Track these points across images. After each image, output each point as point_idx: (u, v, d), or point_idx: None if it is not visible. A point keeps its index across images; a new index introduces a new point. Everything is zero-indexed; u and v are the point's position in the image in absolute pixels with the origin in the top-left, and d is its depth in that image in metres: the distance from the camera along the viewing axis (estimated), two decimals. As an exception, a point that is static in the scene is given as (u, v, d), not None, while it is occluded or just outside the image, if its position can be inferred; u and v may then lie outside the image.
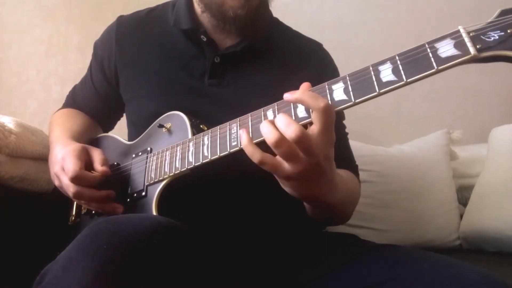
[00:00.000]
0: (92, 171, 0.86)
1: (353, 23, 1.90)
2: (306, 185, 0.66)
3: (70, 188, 0.84)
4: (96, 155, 0.88)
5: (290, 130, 0.59)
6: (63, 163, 0.86)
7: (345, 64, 1.00)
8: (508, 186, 1.35)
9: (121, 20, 1.02)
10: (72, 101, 1.13)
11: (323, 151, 0.62)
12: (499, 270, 0.79)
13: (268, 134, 0.61)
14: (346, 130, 1.01)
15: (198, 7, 0.95)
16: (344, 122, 1.01)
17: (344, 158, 0.92)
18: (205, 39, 0.93)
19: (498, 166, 1.43)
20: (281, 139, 0.60)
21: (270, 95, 0.70)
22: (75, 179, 0.82)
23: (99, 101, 1.08)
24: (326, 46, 1.06)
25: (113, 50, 0.99)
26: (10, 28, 1.84)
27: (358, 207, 0.93)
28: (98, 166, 0.86)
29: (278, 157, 0.63)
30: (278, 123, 0.61)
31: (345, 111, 0.89)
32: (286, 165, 0.63)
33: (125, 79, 0.99)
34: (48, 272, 0.60)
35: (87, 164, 0.86)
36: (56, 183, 0.89)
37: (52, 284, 0.57)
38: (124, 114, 1.06)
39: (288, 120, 0.60)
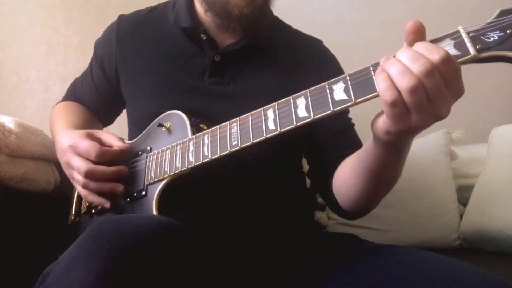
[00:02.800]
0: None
1: (353, 22, 1.90)
2: (415, 133, 0.61)
3: (82, 168, 0.83)
4: (106, 135, 0.89)
5: (420, 63, 0.52)
6: (75, 149, 0.86)
7: (345, 63, 1.00)
8: (508, 186, 1.35)
9: (121, 19, 1.02)
10: (73, 94, 1.14)
11: (447, 99, 0.56)
12: (499, 270, 0.79)
13: (402, 76, 0.53)
14: None
15: (200, 6, 0.95)
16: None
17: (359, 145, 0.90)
18: (205, 38, 0.93)
19: (498, 166, 1.42)
20: (418, 84, 0.53)
21: (271, 93, 0.71)
22: (100, 156, 0.83)
23: (98, 98, 1.09)
24: (326, 45, 1.06)
25: (113, 49, 1.00)
26: (10, 28, 1.84)
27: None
28: (116, 142, 0.87)
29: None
30: (403, 58, 0.54)
31: (346, 112, 0.90)
32: (414, 116, 0.56)
33: (125, 78, 0.99)
34: (50, 272, 0.60)
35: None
36: (67, 171, 0.90)
37: (54, 284, 0.57)
38: (125, 112, 1.06)
39: (413, 54, 0.53)
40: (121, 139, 0.90)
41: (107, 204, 0.85)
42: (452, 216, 1.46)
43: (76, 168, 0.85)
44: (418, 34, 0.57)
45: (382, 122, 0.60)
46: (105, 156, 0.85)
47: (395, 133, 0.60)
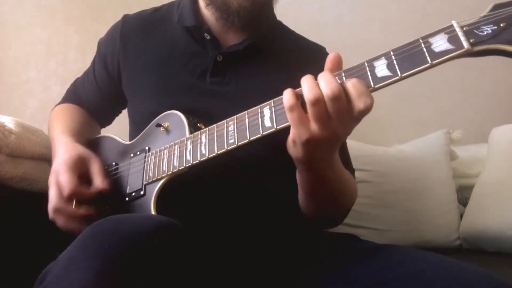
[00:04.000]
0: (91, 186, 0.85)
1: (353, 23, 1.90)
2: (319, 150, 0.67)
3: (51, 204, 0.83)
4: (95, 167, 0.87)
5: (330, 87, 0.60)
6: (57, 177, 0.85)
7: (345, 63, 1.00)
8: (508, 186, 1.35)
9: (126, 18, 1.03)
10: (73, 94, 1.14)
11: (349, 124, 0.63)
12: (499, 270, 0.79)
13: (309, 90, 0.62)
14: None
15: (202, 2, 0.95)
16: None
17: (344, 161, 0.92)
18: (208, 37, 0.93)
19: (498, 166, 1.43)
20: (320, 98, 0.61)
21: (271, 95, 0.70)
22: (70, 198, 0.82)
23: (100, 97, 1.09)
24: (326, 46, 1.06)
25: (117, 47, 1.00)
26: (10, 28, 1.84)
27: (358, 207, 0.92)
28: (99, 181, 0.85)
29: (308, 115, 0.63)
30: (320, 80, 0.62)
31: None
32: (313, 125, 0.63)
33: (127, 77, 0.99)
34: (49, 271, 0.60)
35: (82, 175, 0.86)
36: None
37: (53, 283, 0.57)
38: (125, 112, 1.06)
39: (330, 79, 0.62)
40: (106, 176, 0.87)
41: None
42: (452, 216, 1.46)
43: (49, 199, 0.85)
44: (337, 65, 0.66)
45: (290, 133, 0.66)
46: (77, 198, 0.83)
47: (301, 149, 0.66)
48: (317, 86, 0.62)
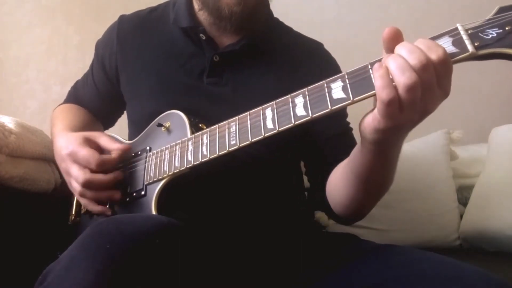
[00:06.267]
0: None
1: (353, 22, 1.90)
2: (400, 132, 0.60)
3: (80, 178, 0.84)
4: (104, 139, 0.89)
5: (415, 56, 0.53)
6: (74, 157, 0.86)
7: (345, 64, 1.00)
8: (508, 186, 1.35)
9: (122, 19, 1.03)
10: (74, 96, 1.14)
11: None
12: (499, 270, 0.79)
13: (401, 71, 0.53)
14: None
15: (196, 5, 0.95)
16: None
17: None
18: (204, 38, 0.93)
19: (498, 166, 1.42)
20: (417, 80, 0.52)
21: (269, 95, 0.70)
22: (99, 166, 0.83)
23: (99, 99, 1.09)
24: (326, 45, 1.06)
25: (114, 48, 1.00)
26: (10, 28, 1.84)
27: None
28: (116, 145, 0.87)
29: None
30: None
31: (345, 112, 0.89)
32: (405, 112, 0.55)
33: (125, 78, 0.99)
34: (50, 271, 0.60)
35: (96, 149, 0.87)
36: (66, 178, 0.90)
37: (54, 283, 0.57)
38: (125, 113, 1.06)
39: (411, 48, 0.54)
40: (118, 140, 0.89)
41: (108, 212, 0.86)
42: (452, 216, 1.46)
43: (74, 177, 0.85)
44: (396, 41, 0.57)
45: (372, 119, 0.59)
46: (105, 166, 0.85)
47: (382, 131, 0.59)
48: (409, 66, 0.53)
